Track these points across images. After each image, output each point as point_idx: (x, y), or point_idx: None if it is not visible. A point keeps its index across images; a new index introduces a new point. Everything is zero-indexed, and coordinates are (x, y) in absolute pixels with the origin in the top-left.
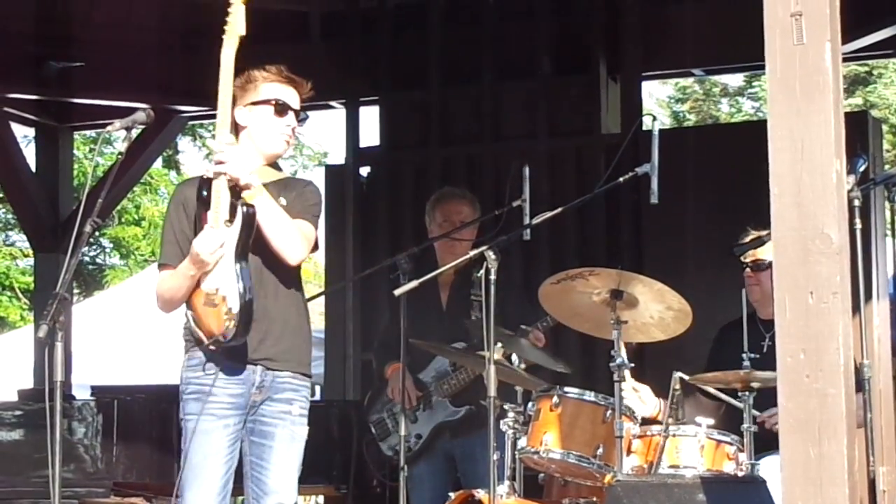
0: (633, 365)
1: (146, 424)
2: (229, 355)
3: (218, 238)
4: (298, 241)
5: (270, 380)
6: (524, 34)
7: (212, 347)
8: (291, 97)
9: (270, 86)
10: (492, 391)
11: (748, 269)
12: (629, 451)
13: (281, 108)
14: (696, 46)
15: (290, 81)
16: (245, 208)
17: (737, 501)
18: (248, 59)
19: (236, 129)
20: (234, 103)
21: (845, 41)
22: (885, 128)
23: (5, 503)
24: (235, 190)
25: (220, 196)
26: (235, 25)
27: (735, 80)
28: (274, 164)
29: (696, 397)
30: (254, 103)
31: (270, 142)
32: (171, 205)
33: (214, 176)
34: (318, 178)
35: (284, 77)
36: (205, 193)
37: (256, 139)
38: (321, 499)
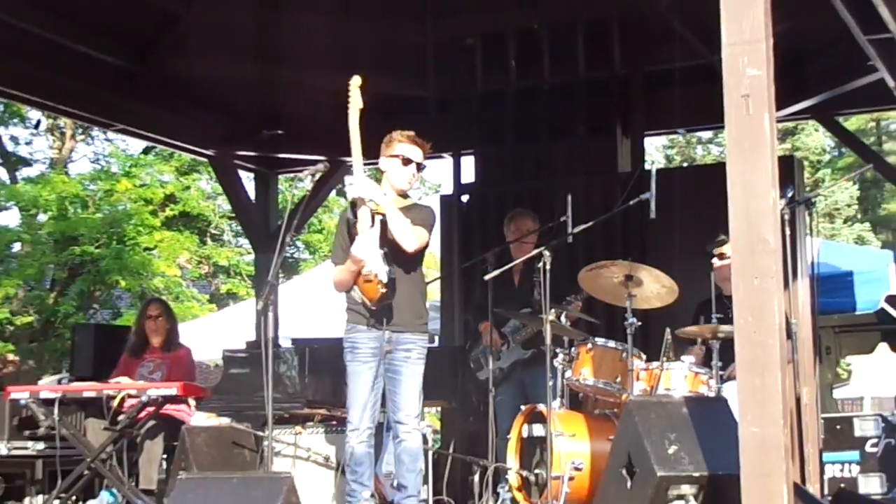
0: (640, 323)
1: (327, 364)
2: (371, 323)
3: (363, 242)
4: (412, 237)
5: (396, 338)
6: (567, 108)
7: (372, 308)
8: (415, 154)
9: (402, 145)
10: (548, 340)
11: (715, 260)
12: (637, 379)
13: (406, 161)
14: (682, 114)
15: (416, 143)
16: (380, 216)
17: (708, 414)
18: (389, 128)
19: (381, 171)
20: (380, 153)
21: (778, 109)
22: (806, 164)
23: (239, 414)
24: (372, 210)
25: (364, 213)
26: (356, 101)
27: (707, 134)
28: (404, 195)
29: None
30: (390, 156)
31: (398, 182)
32: (339, 223)
33: (359, 202)
34: (435, 204)
35: (412, 140)
36: (352, 218)
37: (390, 179)
38: (439, 408)
